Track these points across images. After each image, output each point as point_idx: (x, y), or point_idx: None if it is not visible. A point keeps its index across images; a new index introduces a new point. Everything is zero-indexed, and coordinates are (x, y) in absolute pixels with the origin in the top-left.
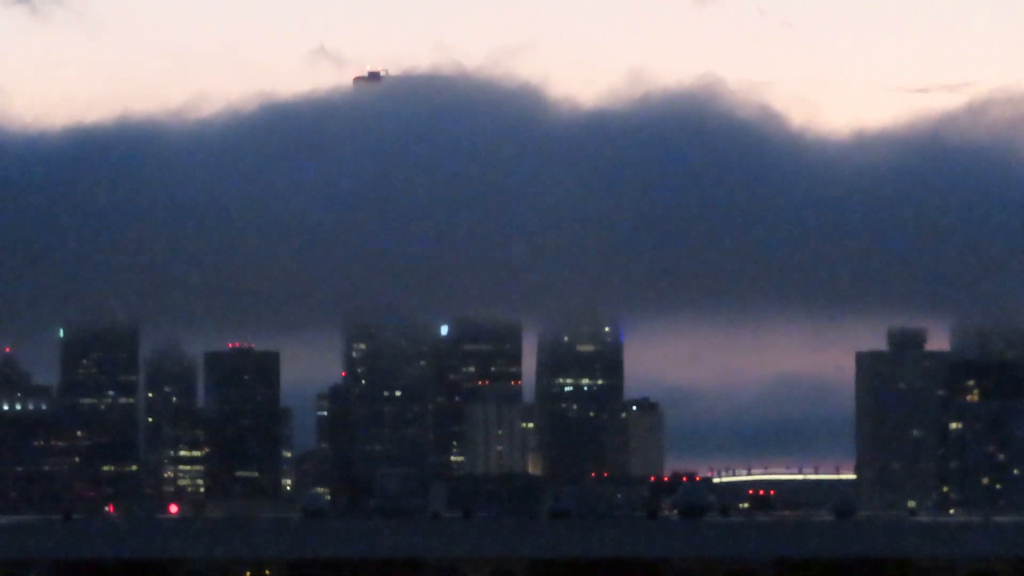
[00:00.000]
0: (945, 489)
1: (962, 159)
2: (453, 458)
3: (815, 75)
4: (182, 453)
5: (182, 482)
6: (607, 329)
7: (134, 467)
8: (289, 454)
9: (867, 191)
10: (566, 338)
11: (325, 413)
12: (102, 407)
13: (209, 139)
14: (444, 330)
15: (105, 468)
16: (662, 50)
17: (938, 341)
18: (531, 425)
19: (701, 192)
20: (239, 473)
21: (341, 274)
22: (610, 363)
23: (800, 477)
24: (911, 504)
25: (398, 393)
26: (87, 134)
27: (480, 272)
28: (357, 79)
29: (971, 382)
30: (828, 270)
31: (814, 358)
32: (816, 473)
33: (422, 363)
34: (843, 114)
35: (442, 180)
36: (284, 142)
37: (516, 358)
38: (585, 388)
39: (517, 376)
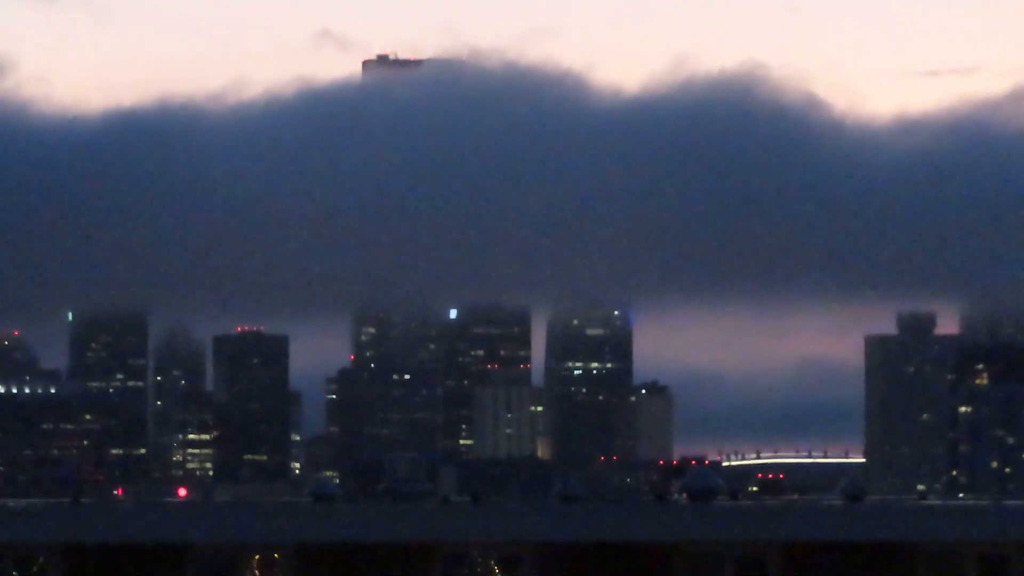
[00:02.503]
0: (954, 473)
1: (1001, 145)
2: (462, 442)
3: (857, 60)
4: (191, 436)
5: (191, 465)
6: (616, 313)
7: (143, 450)
8: (298, 437)
9: (902, 177)
10: (575, 322)
11: (334, 397)
12: (111, 391)
13: (246, 123)
14: (453, 314)
15: (114, 451)
16: (705, 36)
17: (948, 325)
18: (540, 409)
19: (736, 178)
20: (248, 456)
21: (350, 258)
22: (619, 347)
23: (809, 461)
24: (920, 488)
25: (407, 377)
26: (124, 118)
27: (490, 256)
28: (366, 62)
29: (980, 366)
30: (842, 255)
31: (824, 342)
32: (825, 457)
33: (431, 347)
34: (886, 99)
35: (468, 166)
36: (319, 127)
37: (525, 342)
38: (594, 372)
39: (526, 360)
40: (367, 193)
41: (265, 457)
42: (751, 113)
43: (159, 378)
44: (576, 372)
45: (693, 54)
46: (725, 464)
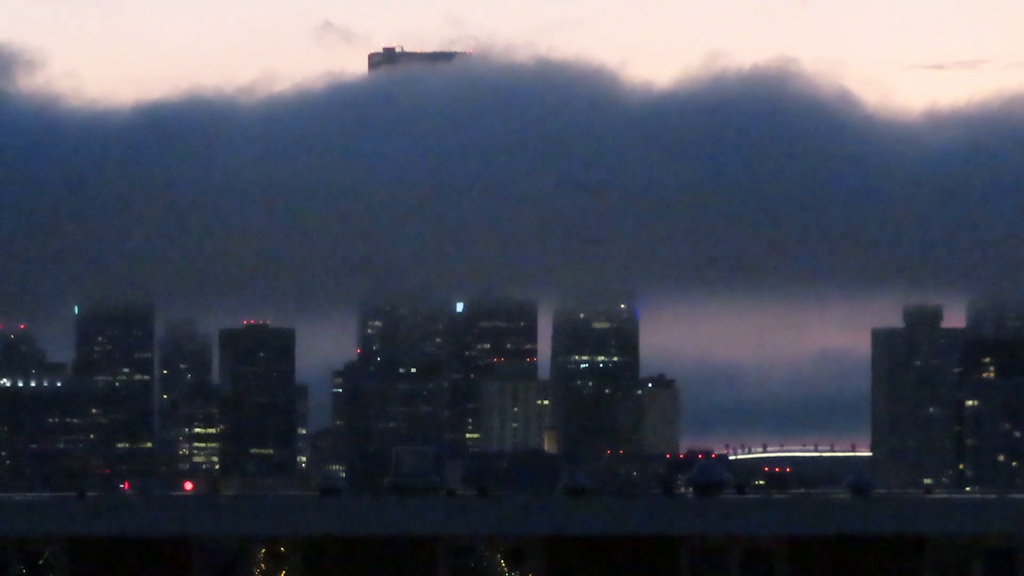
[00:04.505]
0: (961, 466)
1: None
2: (468, 435)
3: (886, 53)
4: (197, 430)
5: (197, 459)
6: (623, 306)
7: (149, 444)
8: (304, 431)
9: (927, 172)
10: (582, 315)
11: (340, 390)
12: (117, 384)
13: (272, 118)
14: (460, 307)
15: (120, 445)
16: (737, 30)
17: (954, 318)
18: (546, 402)
19: (763, 173)
20: (254, 450)
21: (357, 251)
22: (626, 340)
23: (816, 454)
24: (927, 481)
25: (413, 370)
26: (152, 111)
27: (496, 249)
28: (372, 55)
29: (987, 359)
30: (850, 249)
31: (831, 336)
32: (832, 450)
33: (437, 340)
34: (917, 93)
35: (483, 160)
36: (343, 121)
37: (532, 335)
38: (601, 365)
39: (533, 353)
40: (377, 187)
41: (271, 451)
42: (783, 108)
43: (165, 372)
44: (583, 365)
45: (725, 49)
46: (732, 458)
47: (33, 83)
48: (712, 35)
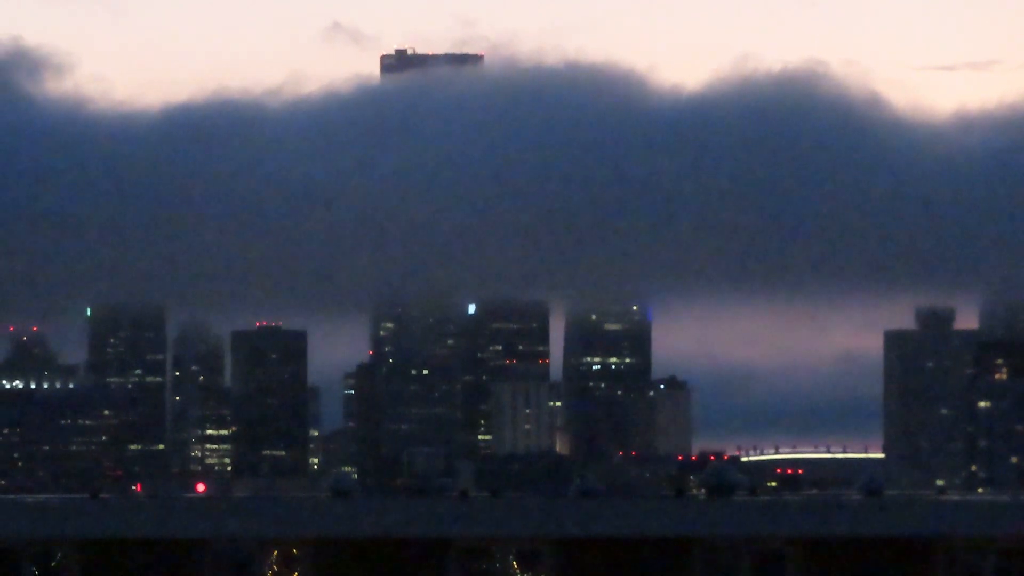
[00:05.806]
0: (973, 468)
1: None
2: (480, 437)
3: (915, 55)
4: (209, 432)
5: (209, 461)
6: (635, 308)
7: (161, 446)
8: (316, 433)
9: (952, 175)
10: (594, 316)
11: (352, 392)
12: (129, 386)
13: (293, 121)
14: (472, 308)
15: (132, 447)
16: (767, 33)
17: (966, 319)
18: (558, 404)
19: (787, 176)
20: (266, 452)
21: (368, 253)
22: (638, 342)
23: (828, 456)
24: (939, 483)
25: (425, 372)
26: (179, 113)
27: (508, 251)
28: (384, 56)
29: (999, 360)
30: (863, 251)
31: (843, 337)
32: (844, 452)
33: (449, 342)
34: (946, 96)
35: (498, 163)
36: (366, 125)
37: (544, 337)
38: (613, 367)
39: (545, 355)
40: (392, 189)
41: (283, 452)
42: (813, 111)
43: (177, 373)
44: (595, 367)
45: (754, 52)
46: (744, 459)
47: (61, 87)
48: (741, 38)
